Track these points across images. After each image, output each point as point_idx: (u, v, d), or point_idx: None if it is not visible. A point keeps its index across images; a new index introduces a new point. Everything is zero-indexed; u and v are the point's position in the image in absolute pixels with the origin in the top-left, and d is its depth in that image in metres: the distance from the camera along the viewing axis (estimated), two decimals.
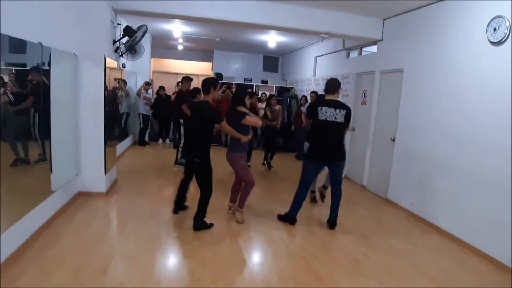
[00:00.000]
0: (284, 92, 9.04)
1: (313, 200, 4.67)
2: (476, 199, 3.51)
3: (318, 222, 4.03)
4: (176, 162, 6.05)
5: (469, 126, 3.63)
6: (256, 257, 3.11)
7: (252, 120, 3.58)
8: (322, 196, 4.55)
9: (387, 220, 4.28)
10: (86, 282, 2.46)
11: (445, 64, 4.03)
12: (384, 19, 5.29)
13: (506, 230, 3.15)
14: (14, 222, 2.66)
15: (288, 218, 3.85)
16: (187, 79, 5.99)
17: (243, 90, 3.92)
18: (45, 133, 3.26)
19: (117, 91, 6.82)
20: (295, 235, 3.63)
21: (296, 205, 3.84)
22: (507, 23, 3.24)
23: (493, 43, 3.41)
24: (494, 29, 3.40)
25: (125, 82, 7.19)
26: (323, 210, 4.35)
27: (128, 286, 2.45)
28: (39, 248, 2.87)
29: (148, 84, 7.98)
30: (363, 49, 6.18)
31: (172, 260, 2.96)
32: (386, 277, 2.88)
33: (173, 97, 7.43)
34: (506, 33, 3.25)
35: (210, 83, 3.37)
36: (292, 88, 9.19)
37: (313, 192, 4.62)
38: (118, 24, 4.88)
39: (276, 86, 9.63)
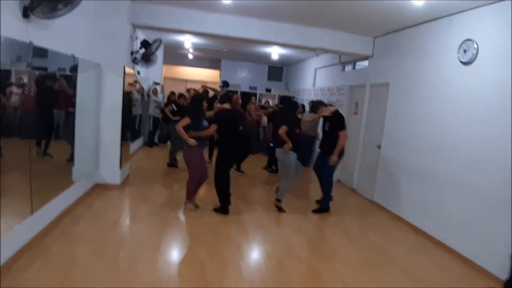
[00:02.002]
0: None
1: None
2: (450, 203, 3.89)
3: (305, 216, 4.52)
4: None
5: (442, 136, 4.08)
6: (247, 241, 3.62)
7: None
8: (280, 208, 4.59)
9: (370, 219, 4.73)
10: (105, 254, 3.00)
11: (423, 79, 4.52)
12: (375, 37, 5.82)
13: (475, 231, 3.53)
14: (43, 205, 3.15)
15: (326, 209, 4.69)
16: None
17: (201, 96, 4.46)
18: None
19: (131, 95, 7.42)
20: (284, 226, 4.13)
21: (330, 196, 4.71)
22: (475, 46, 3.71)
23: (463, 63, 3.87)
24: (464, 51, 3.86)
25: (142, 88, 7.84)
26: (313, 205, 4.83)
27: (139, 258, 2.98)
28: (65, 227, 3.43)
29: (156, 84, 8.60)
30: (357, 63, 6.71)
31: (176, 239, 3.50)
32: (360, 265, 3.32)
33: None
34: (475, 53, 3.71)
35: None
36: (293, 97, 9.73)
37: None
38: (136, 37, 5.50)
39: (278, 95, 10.21)
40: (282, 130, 4.32)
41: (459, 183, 3.78)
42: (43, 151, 3.46)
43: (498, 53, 3.45)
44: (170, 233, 3.59)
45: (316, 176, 4.88)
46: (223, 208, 4.23)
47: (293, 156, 4.40)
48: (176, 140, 6.10)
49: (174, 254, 3.20)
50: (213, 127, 4.04)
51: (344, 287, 2.87)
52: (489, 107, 3.49)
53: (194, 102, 4.15)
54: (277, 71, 11.40)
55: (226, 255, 3.20)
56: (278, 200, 4.55)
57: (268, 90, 10.40)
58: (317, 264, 3.26)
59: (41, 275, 2.55)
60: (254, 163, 7.07)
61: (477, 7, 3.74)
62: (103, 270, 2.73)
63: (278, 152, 4.49)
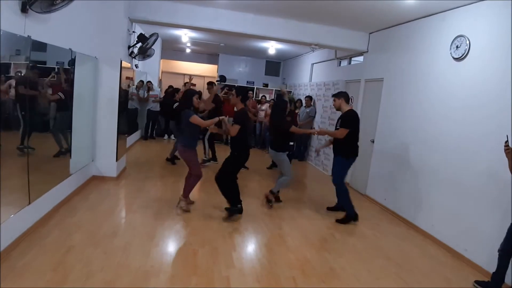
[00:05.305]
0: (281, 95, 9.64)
1: (278, 199, 4.79)
2: (440, 196, 3.95)
3: (298, 209, 4.61)
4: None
5: (434, 131, 4.14)
6: (238, 231, 3.71)
7: (197, 120, 3.84)
8: (269, 201, 4.60)
9: (362, 212, 4.77)
10: (100, 242, 3.09)
11: (416, 75, 4.58)
12: (370, 33, 5.86)
13: (463, 224, 3.60)
14: (40, 196, 3.27)
15: (351, 217, 4.31)
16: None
17: (191, 91, 4.20)
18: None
19: (128, 89, 7.48)
20: (275, 218, 4.22)
21: (350, 202, 4.33)
22: (467, 42, 3.76)
23: (455, 59, 3.93)
24: (457, 47, 3.92)
25: (141, 81, 7.91)
26: (306, 198, 4.93)
27: (133, 246, 3.08)
28: (61, 217, 3.52)
29: (150, 83, 8.68)
30: (352, 59, 6.76)
31: (169, 229, 3.58)
32: (347, 254, 3.44)
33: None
34: (466, 49, 3.76)
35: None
36: (290, 92, 9.78)
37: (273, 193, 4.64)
38: (133, 31, 5.55)
39: (275, 90, 10.27)
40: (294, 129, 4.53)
41: (450, 177, 3.84)
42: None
43: (489, 49, 3.50)
44: (164, 223, 3.68)
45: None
46: (236, 205, 4.03)
47: (283, 155, 4.51)
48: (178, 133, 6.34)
49: (167, 242, 3.29)
50: (236, 128, 3.80)
51: (328, 272, 2.98)
52: (480, 102, 3.53)
53: (187, 98, 4.04)
54: (275, 66, 11.45)
55: (218, 245, 3.30)
56: (271, 192, 4.57)
57: (266, 85, 10.46)
58: (306, 252, 3.36)
59: (37, 261, 2.65)
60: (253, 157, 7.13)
61: (469, 4, 3.79)
62: (96, 256, 2.82)
63: (271, 152, 4.62)
